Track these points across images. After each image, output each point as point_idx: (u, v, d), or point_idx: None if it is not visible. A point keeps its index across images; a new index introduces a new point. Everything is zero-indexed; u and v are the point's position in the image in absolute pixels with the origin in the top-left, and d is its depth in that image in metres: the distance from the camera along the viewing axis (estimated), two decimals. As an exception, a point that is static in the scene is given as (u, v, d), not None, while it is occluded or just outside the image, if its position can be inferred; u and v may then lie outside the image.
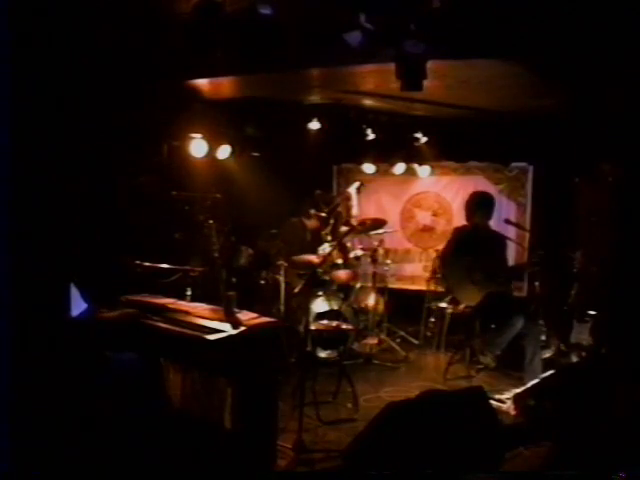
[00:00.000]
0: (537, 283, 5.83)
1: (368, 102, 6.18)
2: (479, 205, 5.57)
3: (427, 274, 6.76)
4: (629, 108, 4.96)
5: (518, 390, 3.93)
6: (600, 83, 4.58)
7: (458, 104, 6.10)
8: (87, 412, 3.30)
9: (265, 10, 3.60)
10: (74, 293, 3.55)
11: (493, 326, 5.51)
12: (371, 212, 7.17)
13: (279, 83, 5.22)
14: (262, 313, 4.08)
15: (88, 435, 3.28)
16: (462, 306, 5.59)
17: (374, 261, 6.41)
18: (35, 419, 3.11)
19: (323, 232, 6.54)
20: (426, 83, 3.85)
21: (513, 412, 3.64)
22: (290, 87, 5.51)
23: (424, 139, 6.76)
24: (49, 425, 3.17)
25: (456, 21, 3.73)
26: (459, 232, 5.72)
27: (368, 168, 7.26)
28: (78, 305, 3.56)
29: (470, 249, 5.42)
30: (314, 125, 6.24)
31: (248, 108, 5.95)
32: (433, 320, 6.49)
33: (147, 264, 4.57)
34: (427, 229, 7.39)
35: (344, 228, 6.64)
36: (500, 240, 5.71)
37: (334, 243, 6.31)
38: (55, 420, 3.19)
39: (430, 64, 3.75)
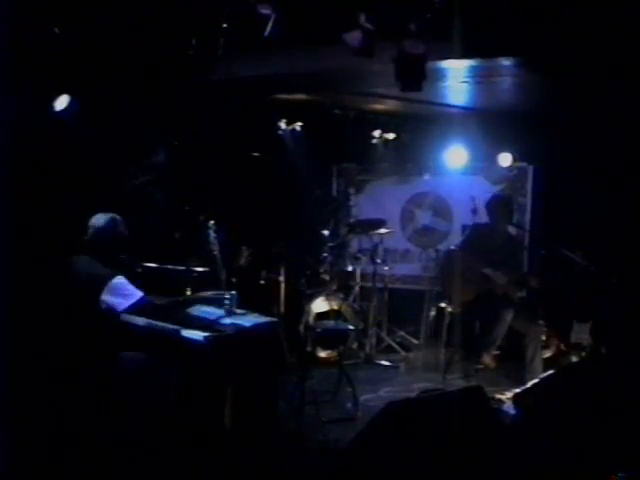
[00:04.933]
0: (534, 276, 5.86)
1: (367, 102, 6.19)
2: (497, 207, 5.61)
3: (427, 274, 6.77)
4: (629, 107, 4.96)
5: (518, 390, 3.92)
6: (600, 82, 4.58)
7: (458, 104, 6.11)
8: (93, 410, 3.31)
9: (265, 10, 3.61)
10: (125, 285, 3.59)
11: (480, 324, 5.57)
12: (371, 212, 7.17)
13: (280, 83, 5.22)
14: (262, 313, 4.08)
15: (90, 434, 3.28)
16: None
17: (374, 261, 6.41)
18: (38, 420, 3.12)
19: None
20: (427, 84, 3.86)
21: (513, 412, 3.63)
22: (292, 87, 5.52)
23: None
24: (52, 425, 3.18)
25: (456, 21, 3.73)
26: (475, 228, 5.76)
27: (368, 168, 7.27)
28: (131, 295, 3.59)
29: (480, 245, 5.47)
30: (316, 125, 6.25)
31: (248, 108, 5.95)
32: (433, 320, 6.49)
33: (147, 264, 4.57)
34: (427, 229, 7.39)
35: (344, 228, 6.66)
36: (515, 245, 5.76)
37: (334, 243, 6.34)
38: (59, 419, 3.20)
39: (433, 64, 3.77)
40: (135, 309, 3.61)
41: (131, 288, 3.65)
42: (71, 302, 3.60)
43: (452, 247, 6.14)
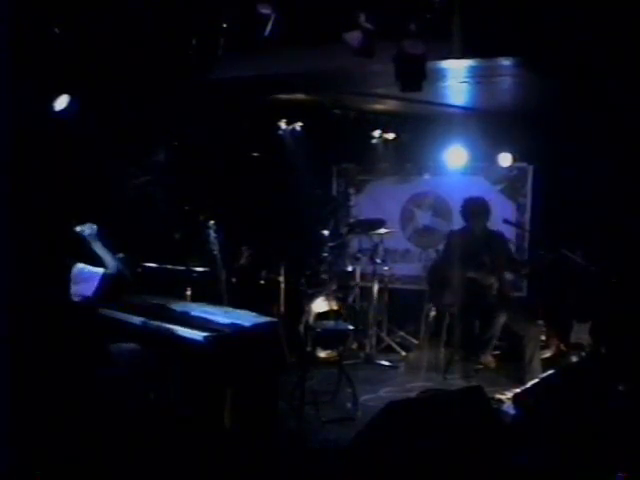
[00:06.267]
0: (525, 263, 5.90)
1: (367, 102, 6.19)
2: (473, 212, 5.65)
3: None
4: (629, 107, 4.97)
5: (518, 390, 3.92)
6: (600, 82, 4.58)
7: (458, 104, 6.11)
8: (88, 404, 3.31)
9: (265, 10, 3.61)
10: (83, 269, 3.55)
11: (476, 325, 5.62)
12: (371, 212, 7.17)
13: (280, 83, 5.22)
14: (262, 313, 4.09)
15: (88, 429, 3.28)
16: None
17: (374, 261, 6.41)
18: (35, 414, 3.11)
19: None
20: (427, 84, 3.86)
21: (513, 412, 3.64)
22: (292, 87, 5.52)
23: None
24: (49, 420, 3.17)
25: (456, 21, 3.73)
26: (452, 235, 5.80)
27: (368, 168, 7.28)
28: (93, 276, 3.54)
29: (459, 251, 5.49)
30: (316, 125, 6.26)
31: (248, 108, 5.96)
32: (433, 320, 6.48)
33: (147, 264, 4.57)
34: (427, 229, 7.39)
35: (344, 228, 6.66)
36: (497, 239, 5.76)
37: (334, 243, 6.34)
38: (55, 414, 3.19)
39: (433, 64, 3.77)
40: (104, 288, 3.53)
41: (89, 269, 3.56)
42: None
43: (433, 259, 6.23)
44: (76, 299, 3.53)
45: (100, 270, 3.57)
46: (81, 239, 3.64)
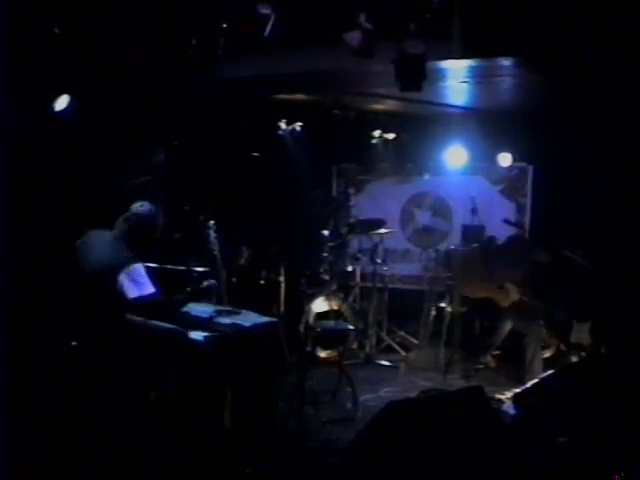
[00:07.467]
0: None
1: (367, 102, 6.19)
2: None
3: (427, 274, 6.77)
4: (629, 107, 4.97)
5: (518, 390, 3.92)
6: (600, 82, 4.58)
7: (458, 104, 6.11)
8: (89, 405, 3.32)
9: (265, 10, 3.62)
10: (142, 273, 3.54)
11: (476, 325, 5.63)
12: (371, 212, 7.17)
13: (280, 83, 5.22)
14: (262, 313, 4.08)
15: (90, 433, 3.28)
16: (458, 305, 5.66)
17: (374, 261, 6.42)
18: (35, 413, 3.11)
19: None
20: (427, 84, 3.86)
21: (513, 412, 3.64)
22: (292, 87, 5.52)
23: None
24: (50, 419, 3.18)
25: (456, 21, 3.74)
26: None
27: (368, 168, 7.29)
28: (145, 286, 3.54)
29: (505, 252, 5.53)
30: (316, 125, 6.26)
31: (248, 108, 5.95)
32: (433, 320, 6.49)
33: (147, 264, 4.56)
34: (427, 229, 7.39)
35: (344, 228, 6.66)
36: None
37: (334, 243, 6.34)
38: (56, 414, 3.19)
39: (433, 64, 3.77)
40: (144, 301, 3.53)
41: (147, 279, 3.56)
42: (89, 279, 3.56)
43: (493, 237, 6.18)
44: (117, 288, 3.51)
45: (154, 289, 3.58)
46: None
